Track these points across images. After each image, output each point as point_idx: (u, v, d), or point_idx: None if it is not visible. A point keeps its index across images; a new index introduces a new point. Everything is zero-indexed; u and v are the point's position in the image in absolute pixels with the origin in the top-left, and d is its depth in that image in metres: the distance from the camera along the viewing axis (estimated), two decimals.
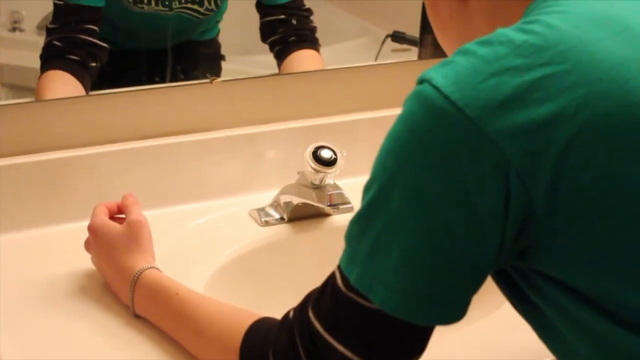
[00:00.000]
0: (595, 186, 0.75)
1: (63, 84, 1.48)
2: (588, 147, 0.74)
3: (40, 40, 1.62)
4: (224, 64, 1.89)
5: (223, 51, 1.89)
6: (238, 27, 1.81)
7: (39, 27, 2.19)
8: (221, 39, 1.85)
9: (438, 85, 0.77)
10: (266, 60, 1.69)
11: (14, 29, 2.14)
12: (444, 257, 0.77)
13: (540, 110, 0.74)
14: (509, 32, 0.80)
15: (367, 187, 0.83)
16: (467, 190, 0.76)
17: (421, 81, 0.80)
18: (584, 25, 0.79)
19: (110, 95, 1.41)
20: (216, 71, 1.88)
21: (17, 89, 1.86)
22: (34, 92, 1.50)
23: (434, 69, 0.80)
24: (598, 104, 0.74)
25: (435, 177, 0.77)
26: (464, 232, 0.76)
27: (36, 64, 1.54)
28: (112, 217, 1.21)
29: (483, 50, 0.78)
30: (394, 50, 1.86)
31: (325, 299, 0.84)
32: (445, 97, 0.76)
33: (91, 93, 1.46)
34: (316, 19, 1.72)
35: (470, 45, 0.80)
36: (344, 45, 2.43)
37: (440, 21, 0.97)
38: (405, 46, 1.82)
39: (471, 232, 0.76)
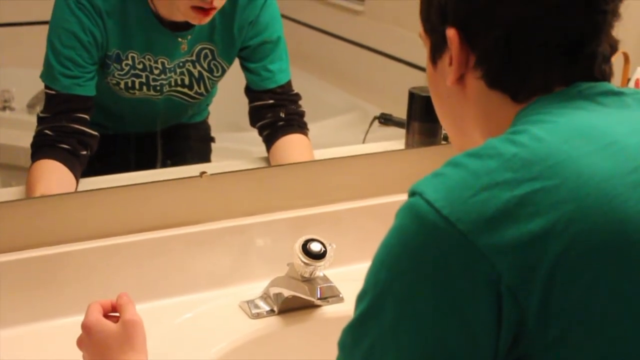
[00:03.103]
0: (586, 301, 0.75)
1: (54, 175, 1.49)
2: (578, 263, 0.75)
3: (31, 118, 1.63)
4: (214, 145, 1.91)
5: (214, 127, 1.91)
6: (229, 103, 1.83)
7: (29, 106, 2.21)
8: (212, 114, 1.87)
9: (430, 199, 0.79)
10: (257, 137, 1.71)
11: (4, 108, 2.16)
12: None
13: (530, 225, 0.75)
14: (498, 145, 0.81)
15: (360, 297, 0.84)
16: (459, 305, 0.77)
17: (413, 193, 0.81)
18: (572, 138, 0.81)
19: (100, 191, 1.41)
20: (206, 153, 1.91)
21: (7, 168, 1.87)
22: (23, 171, 1.51)
23: (425, 182, 0.82)
24: (587, 219, 0.76)
25: (427, 291, 0.78)
26: (457, 345, 0.77)
27: (26, 142, 1.55)
28: (106, 315, 1.21)
29: (473, 164, 0.80)
30: (381, 125, 1.88)
31: None
32: (437, 211, 0.78)
33: (81, 189, 1.47)
34: (306, 94, 1.74)
35: (460, 158, 0.82)
36: (333, 122, 2.46)
37: (439, 98, 0.99)
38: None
39: (464, 346, 0.77)
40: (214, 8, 1.51)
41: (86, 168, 1.53)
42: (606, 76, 0.91)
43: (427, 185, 0.80)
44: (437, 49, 0.95)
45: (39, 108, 1.93)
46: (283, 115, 1.67)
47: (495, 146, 0.81)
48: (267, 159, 1.67)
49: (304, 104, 1.72)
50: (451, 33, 0.91)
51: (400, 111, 1.74)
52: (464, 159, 0.81)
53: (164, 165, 1.80)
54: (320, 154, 1.67)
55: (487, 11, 0.88)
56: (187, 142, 1.87)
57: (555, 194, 0.77)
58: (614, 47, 0.92)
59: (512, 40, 0.88)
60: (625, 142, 0.82)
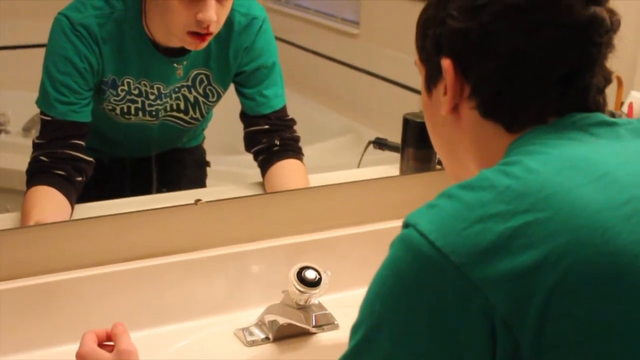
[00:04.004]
0: (580, 332, 0.76)
1: (49, 202, 1.49)
2: (572, 295, 0.75)
3: (26, 142, 1.63)
4: (209, 168, 1.92)
5: (209, 149, 1.92)
6: (225, 125, 1.83)
7: (24, 129, 2.22)
8: (208, 136, 1.87)
9: (424, 231, 0.79)
10: (253, 160, 1.71)
11: None
12: None
13: (523, 257, 0.76)
14: (492, 176, 0.82)
15: (355, 329, 0.84)
16: (454, 336, 0.77)
17: (407, 225, 0.82)
18: (565, 170, 0.81)
19: (94, 220, 1.41)
20: (201, 178, 1.91)
21: (2, 192, 1.87)
22: (19, 194, 1.51)
23: (419, 213, 0.82)
24: (579, 252, 0.76)
25: (422, 322, 0.78)
26: None
27: (21, 166, 1.55)
28: (100, 345, 1.21)
29: (467, 196, 0.81)
30: (376, 148, 1.89)
31: None
32: (431, 243, 0.78)
33: (76, 216, 1.47)
34: (301, 116, 1.75)
35: (454, 189, 0.83)
36: (328, 145, 2.47)
37: (434, 126, 1.00)
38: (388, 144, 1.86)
39: None
40: (210, 33, 1.51)
41: (81, 193, 1.53)
42: (600, 107, 0.92)
43: (421, 217, 0.81)
44: (432, 78, 0.96)
45: (34, 131, 1.94)
46: (278, 142, 1.67)
47: (488, 178, 0.82)
48: (262, 183, 1.67)
49: (299, 127, 1.72)
50: (446, 63, 0.92)
51: (395, 133, 1.75)
52: (457, 191, 0.82)
53: (160, 190, 1.80)
54: (315, 178, 1.68)
55: (481, 43, 0.89)
56: (182, 167, 1.88)
57: (548, 226, 0.77)
58: (607, 78, 0.93)
59: (506, 72, 0.89)
60: (617, 173, 0.82)
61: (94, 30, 1.52)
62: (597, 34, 0.89)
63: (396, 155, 1.72)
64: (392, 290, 0.81)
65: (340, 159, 2.38)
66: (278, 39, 1.71)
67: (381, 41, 2.62)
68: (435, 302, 0.78)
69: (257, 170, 1.69)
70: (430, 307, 0.78)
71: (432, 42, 0.94)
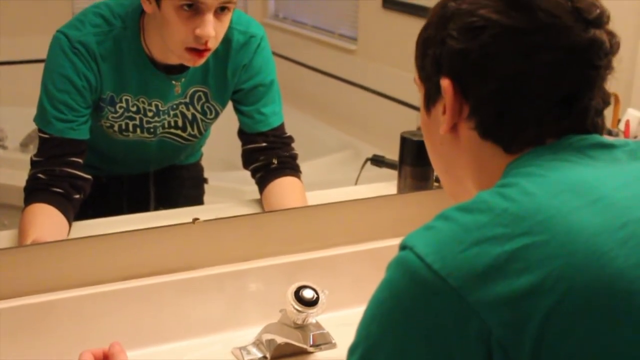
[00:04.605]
0: (576, 356, 0.76)
1: (47, 220, 1.49)
2: (568, 319, 0.75)
3: (24, 157, 1.63)
4: (206, 186, 1.92)
5: (207, 165, 1.92)
6: (222, 141, 1.83)
7: (22, 145, 2.22)
8: (206, 151, 1.87)
9: (421, 254, 0.79)
10: (250, 176, 1.71)
11: None
12: None
13: (519, 281, 0.76)
14: (489, 199, 0.82)
15: (352, 351, 0.84)
16: (450, 358, 0.77)
17: (404, 247, 0.82)
18: (561, 193, 0.82)
19: (92, 238, 1.42)
20: (199, 195, 1.91)
21: (0, 207, 1.87)
22: (16, 210, 1.51)
23: (416, 235, 0.82)
24: (576, 276, 0.76)
25: (419, 344, 0.78)
26: None
27: (19, 181, 1.55)
28: None
29: (464, 218, 0.81)
30: (373, 164, 1.89)
31: None
32: (428, 266, 0.78)
33: (73, 233, 1.47)
34: (299, 132, 1.75)
35: (451, 212, 0.83)
36: (325, 160, 2.47)
37: (432, 144, 1.00)
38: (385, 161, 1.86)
39: None
40: (208, 49, 1.52)
41: (79, 210, 1.53)
42: (598, 129, 0.92)
43: (418, 239, 0.81)
44: (431, 97, 0.97)
45: (32, 147, 1.94)
46: (276, 160, 1.67)
47: (486, 200, 0.82)
48: (260, 200, 1.67)
49: (297, 142, 1.72)
50: (445, 83, 0.92)
51: (392, 148, 1.75)
52: (454, 213, 0.82)
53: (157, 208, 1.80)
54: (312, 196, 1.68)
55: (481, 64, 0.89)
56: (180, 184, 1.88)
57: (544, 249, 0.77)
58: (606, 100, 0.93)
59: (505, 93, 0.89)
60: (613, 196, 0.82)
61: (93, 48, 1.52)
62: (597, 57, 0.89)
63: (393, 173, 1.73)
64: (389, 312, 0.81)
65: (337, 175, 2.39)
66: (276, 54, 1.71)
67: (378, 57, 2.63)
68: (432, 325, 0.78)
69: (255, 187, 1.69)
70: (426, 329, 0.78)
71: (431, 61, 0.94)
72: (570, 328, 0.75)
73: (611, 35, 0.91)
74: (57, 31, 1.53)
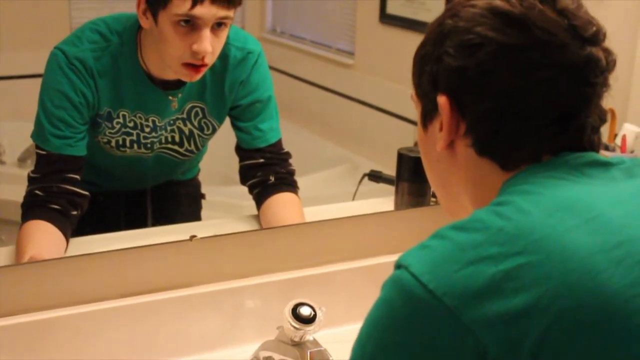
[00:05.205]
0: None
1: (44, 237, 1.49)
2: (563, 339, 0.75)
3: (22, 172, 1.63)
4: (204, 201, 1.92)
5: (205, 179, 1.92)
6: (220, 155, 1.83)
7: (20, 160, 2.22)
8: (203, 166, 1.87)
9: (416, 273, 0.79)
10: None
11: None
12: None
13: (515, 300, 0.76)
14: (484, 217, 0.82)
15: None
16: None
17: (399, 266, 0.82)
18: (557, 212, 0.81)
19: (89, 256, 1.41)
20: (196, 211, 1.91)
21: None
22: (14, 225, 1.51)
23: (411, 254, 0.82)
24: (571, 295, 0.76)
25: None
26: None
27: (17, 196, 1.54)
28: None
29: (459, 237, 0.81)
30: (371, 180, 1.89)
31: None
32: (424, 285, 0.78)
33: (71, 250, 1.47)
34: (296, 146, 1.75)
35: (446, 230, 0.83)
36: (323, 175, 2.47)
37: (429, 161, 1.00)
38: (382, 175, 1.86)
39: None
40: (205, 65, 1.52)
41: (76, 226, 1.53)
42: (594, 146, 0.92)
43: (413, 258, 0.81)
44: (428, 114, 0.97)
45: (30, 162, 1.94)
46: (273, 177, 1.67)
47: (481, 219, 0.82)
48: (257, 216, 1.67)
49: (294, 157, 1.72)
50: (442, 100, 0.92)
51: (389, 162, 1.76)
52: (450, 232, 0.82)
53: (155, 224, 1.80)
54: (310, 212, 1.68)
55: (478, 81, 0.89)
56: (177, 200, 1.88)
57: (539, 269, 0.77)
58: (603, 118, 0.93)
59: (502, 111, 0.89)
60: (609, 215, 0.82)
61: (90, 64, 1.52)
62: (593, 74, 0.89)
63: (391, 188, 1.73)
64: (384, 332, 0.81)
65: (335, 190, 2.39)
66: (273, 69, 1.72)
67: (376, 71, 2.63)
68: (428, 344, 0.78)
69: (253, 202, 1.69)
70: (422, 348, 0.78)
71: (428, 78, 0.95)
72: (566, 347, 0.75)
73: (607, 52, 0.91)
74: (55, 48, 1.53)
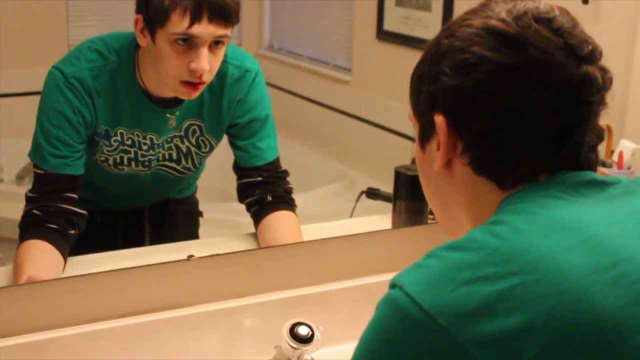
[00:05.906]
0: None
1: (42, 256, 1.49)
2: (558, 358, 0.75)
3: (20, 190, 1.63)
4: (202, 218, 1.91)
5: (203, 195, 1.92)
6: (218, 171, 1.83)
7: (18, 177, 2.22)
8: (201, 182, 1.87)
9: (410, 293, 0.79)
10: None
11: None
12: None
13: (510, 320, 0.76)
14: (479, 237, 0.82)
15: None
16: None
17: (393, 286, 0.82)
18: (552, 232, 0.82)
19: (87, 277, 1.41)
20: (194, 229, 1.90)
21: None
22: (11, 242, 1.51)
23: (406, 274, 0.82)
24: (566, 316, 0.76)
25: None
26: None
27: (15, 214, 1.54)
28: None
29: (454, 256, 0.81)
30: (368, 197, 1.89)
31: None
32: (418, 305, 0.78)
33: (68, 269, 1.46)
34: (293, 163, 1.76)
35: (440, 250, 0.83)
36: (321, 191, 2.47)
37: (427, 180, 1.00)
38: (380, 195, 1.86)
39: None
40: (203, 82, 1.52)
41: (74, 245, 1.53)
42: (592, 165, 0.92)
43: (408, 278, 0.81)
44: (425, 133, 0.97)
45: (28, 179, 1.94)
46: (270, 196, 1.67)
47: (476, 239, 0.82)
48: (255, 234, 1.67)
49: (292, 173, 1.72)
50: (439, 120, 0.92)
51: (387, 179, 1.75)
52: (444, 252, 0.82)
53: (152, 242, 1.79)
54: (307, 230, 1.68)
55: (474, 101, 0.90)
56: (175, 218, 1.87)
57: (534, 289, 0.77)
58: (600, 136, 0.93)
59: (499, 130, 0.89)
60: (605, 234, 0.82)
61: (88, 83, 1.52)
62: (589, 93, 0.89)
63: (388, 205, 1.72)
64: (379, 352, 0.81)
65: (332, 206, 2.39)
66: (270, 85, 1.72)
67: (373, 88, 2.64)
68: None
69: (251, 219, 1.69)
70: None
71: (425, 98, 0.95)
72: None
73: (604, 71, 0.91)
74: (53, 67, 1.53)
